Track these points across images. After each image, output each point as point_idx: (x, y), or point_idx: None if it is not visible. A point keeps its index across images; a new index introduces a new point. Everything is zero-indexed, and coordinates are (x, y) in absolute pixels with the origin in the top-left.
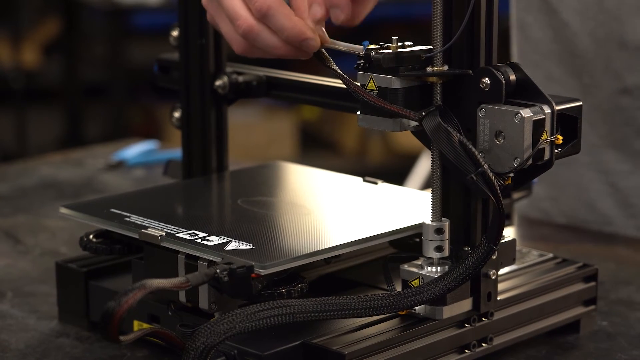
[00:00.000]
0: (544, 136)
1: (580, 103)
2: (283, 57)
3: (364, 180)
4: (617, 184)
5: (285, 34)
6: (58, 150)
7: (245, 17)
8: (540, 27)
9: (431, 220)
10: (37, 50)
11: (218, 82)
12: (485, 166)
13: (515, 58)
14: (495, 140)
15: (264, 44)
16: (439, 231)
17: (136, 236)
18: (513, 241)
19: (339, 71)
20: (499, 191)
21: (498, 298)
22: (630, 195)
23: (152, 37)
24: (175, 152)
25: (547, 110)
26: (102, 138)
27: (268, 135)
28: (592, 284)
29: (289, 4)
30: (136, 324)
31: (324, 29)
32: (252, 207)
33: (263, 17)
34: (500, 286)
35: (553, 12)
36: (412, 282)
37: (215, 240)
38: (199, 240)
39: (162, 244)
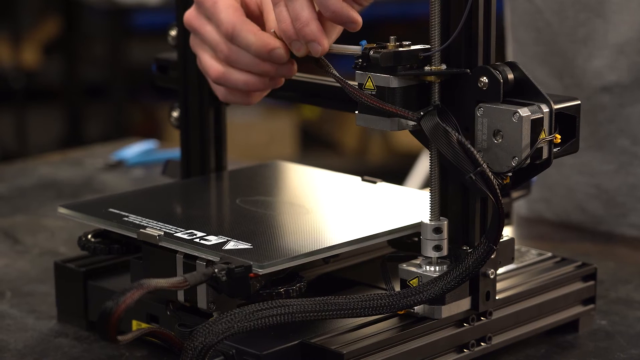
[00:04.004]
0: (542, 135)
1: (579, 102)
2: (264, 75)
3: (363, 180)
4: (602, 185)
5: (252, 48)
6: (58, 150)
7: (222, 43)
8: (525, 29)
9: (429, 220)
10: (37, 50)
11: None
12: (484, 165)
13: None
14: (494, 139)
15: (241, 64)
16: (438, 230)
17: (134, 236)
18: (512, 240)
19: (336, 73)
20: (497, 190)
21: (497, 297)
22: (617, 194)
23: (152, 37)
24: (174, 152)
25: (546, 109)
26: (102, 138)
27: (268, 135)
28: (591, 282)
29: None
30: (135, 324)
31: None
32: (251, 206)
33: (231, 38)
34: (499, 285)
35: (538, 12)
36: (411, 282)
37: (213, 239)
38: (197, 240)
39: (160, 244)
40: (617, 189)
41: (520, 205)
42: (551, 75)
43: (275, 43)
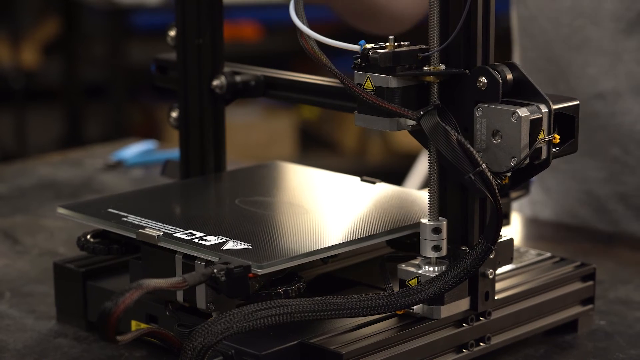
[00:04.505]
0: (541, 135)
1: (578, 102)
2: None
3: (362, 180)
4: (594, 192)
5: None
6: (58, 150)
7: None
8: (519, 35)
9: (428, 220)
10: (37, 50)
11: (215, 82)
12: (483, 166)
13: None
14: (493, 139)
15: None
16: (437, 230)
17: (134, 236)
18: (511, 240)
19: (337, 70)
20: (496, 190)
21: (496, 297)
22: (608, 202)
23: (152, 37)
24: (174, 152)
25: (544, 109)
26: (101, 138)
27: (268, 135)
28: (590, 283)
29: None
30: (134, 324)
31: None
32: (250, 207)
33: None
34: (498, 285)
35: (533, 18)
36: (410, 282)
37: (212, 240)
38: (197, 240)
39: (159, 244)
40: (607, 196)
41: (513, 208)
42: (545, 82)
43: None
